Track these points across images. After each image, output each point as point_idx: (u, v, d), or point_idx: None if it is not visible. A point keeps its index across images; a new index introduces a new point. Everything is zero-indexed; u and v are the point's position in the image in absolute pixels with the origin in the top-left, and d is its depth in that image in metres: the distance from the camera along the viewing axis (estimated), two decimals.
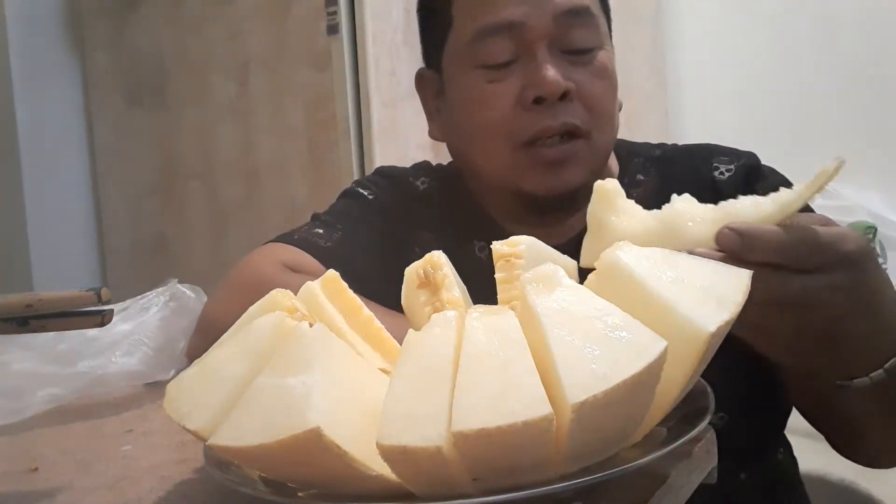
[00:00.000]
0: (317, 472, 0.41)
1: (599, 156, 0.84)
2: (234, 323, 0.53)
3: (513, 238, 0.55)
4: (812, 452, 0.89)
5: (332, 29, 1.56)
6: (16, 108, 1.95)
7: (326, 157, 1.61)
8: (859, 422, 0.70)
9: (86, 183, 2.09)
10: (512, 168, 0.82)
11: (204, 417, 0.46)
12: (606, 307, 0.43)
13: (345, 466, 0.39)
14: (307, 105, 1.63)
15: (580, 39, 0.81)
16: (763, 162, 0.90)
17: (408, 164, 1.01)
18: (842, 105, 2.08)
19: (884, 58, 2.05)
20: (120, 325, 0.81)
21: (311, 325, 0.46)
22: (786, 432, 0.89)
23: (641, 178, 0.90)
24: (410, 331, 0.44)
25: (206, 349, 0.51)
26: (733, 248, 0.51)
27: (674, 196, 0.56)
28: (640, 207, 0.56)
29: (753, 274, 0.48)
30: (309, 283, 0.56)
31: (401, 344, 0.44)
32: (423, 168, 0.99)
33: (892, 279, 0.60)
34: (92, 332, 0.79)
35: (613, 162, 0.92)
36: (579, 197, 0.82)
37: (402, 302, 0.56)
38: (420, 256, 0.56)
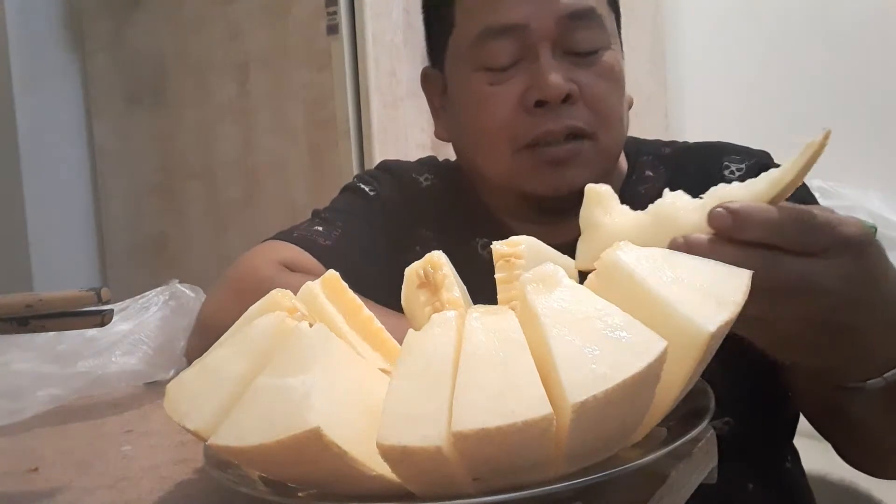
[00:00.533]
0: (317, 472, 0.41)
1: (607, 157, 0.83)
2: (231, 323, 0.53)
3: (513, 238, 0.54)
4: (812, 452, 0.89)
5: (332, 29, 1.56)
6: (16, 108, 1.95)
7: (326, 157, 1.61)
8: (870, 428, 0.67)
9: (86, 183, 2.09)
10: (514, 170, 0.81)
11: (204, 417, 0.46)
12: (606, 307, 0.43)
13: (345, 466, 0.39)
14: (307, 105, 1.63)
15: (584, 41, 0.80)
16: (748, 149, 0.88)
17: None
18: (842, 105, 2.08)
19: (884, 58, 2.05)
20: (120, 325, 0.81)
21: (311, 325, 0.46)
22: None
23: (650, 174, 0.89)
24: (410, 331, 0.44)
25: (203, 349, 0.51)
26: (725, 226, 0.49)
27: (665, 191, 0.54)
28: (630, 209, 0.55)
29: (748, 256, 0.47)
30: (309, 283, 0.56)
31: (401, 344, 0.44)
32: (427, 164, 0.99)
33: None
34: (92, 332, 0.79)
35: (622, 160, 0.90)
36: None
37: (402, 302, 0.56)
38: (421, 255, 0.56)
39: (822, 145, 0.50)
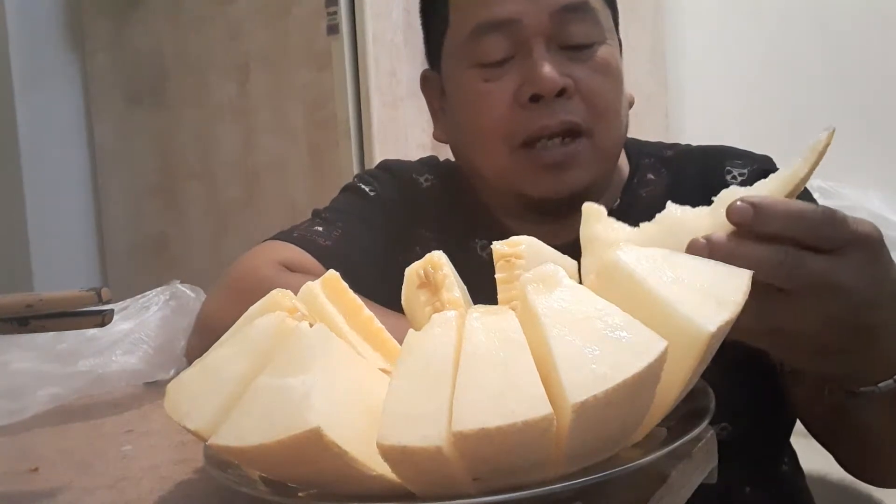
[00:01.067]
0: (317, 472, 0.41)
1: (605, 155, 0.81)
2: (231, 323, 0.53)
3: (513, 238, 0.54)
4: (812, 452, 0.88)
5: (332, 29, 1.56)
6: (16, 108, 1.95)
7: (326, 157, 1.61)
8: (875, 435, 0.65)
9: (86, 183, 2.09)
10: (511, 170, 0.80)
11: (204, 417, 0.46)
12: (606, 307, 0.43)
13: (345, 466, 0.39)
14: (307, 105, 1.63)
15: (578, 34, 0.78)
16: (751, 154, 0.88)
17: None
18: (842, 105, 2.08)
19: (884, 58, 2.05)
20: (120, 325, 0.82)
21: (311, 326, 0.46)
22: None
23: (652, 177, 0.88)
24: (410, 331, 0.44)
25: (203, 349, 0.51)
26: (746, 219, 0.47)
27: (669, 203, 0.53)
28: (627, 226, 0.54)
29: (772, 251, 0.46)
30: (309, 283, 0.56)
31: (401, 344, 0.44)
32: (427, 163, 0.98)
33: None
34: (92, 332, 0.79)
35: (624, 162, 0.89)
36: (585, 197, 0.80)
37: (402, 302, 0.56)
38: (421, 255, 0.56)
39: (828, 144, 0.50)
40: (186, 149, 1.86)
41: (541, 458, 0.39)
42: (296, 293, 0.54)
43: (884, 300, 0.51)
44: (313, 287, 0.55)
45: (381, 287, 0.70)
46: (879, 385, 0.56)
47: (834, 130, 0.50)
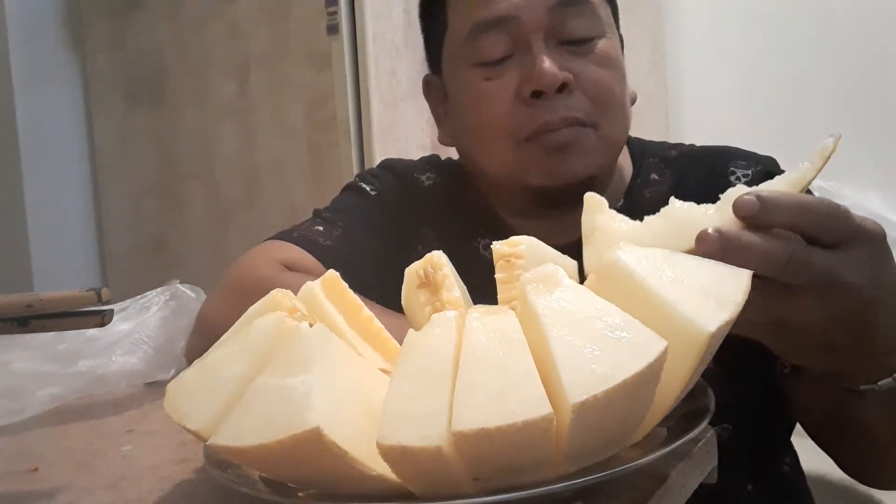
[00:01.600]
0: (317, 472, 0.41)
1: (609, 146, 0.81)
2: (230, 323, 0.53)
3: (513, 238, 0.54)
4: (812, 452, 0.88)
5: (332, 29, 1.56)
6: (16, 108, 1.95)
7: (326, 157, 1.61)
8: (875, 435, 0.65)
9: (86, 183, 2.09)
10: (517, 163, 0.80)
11: (204, 417, 0.46)
12: (606, 307, 0.43)
13: (345, 466, 0.39)
14: (307, 105, 1.63)
15: (578, 29, 0.78)
16: (755, 155, 0.88)
17: None
18: (842, 105, 2.08)
19: (883, 58, 2.05)
20: (120, 325, 0.82)
21: (311, 326, 0.46)
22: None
23: (655, 177, 0.88)
24: (410, 331, 0.44)
25: (203, 349, 0.51)
26: (752, 211, 0.47)
27: (672, 199, 0.53)
28: (628, 218, 0.54)
29: (780, 243, 0.46)
30: (309, 283, 0.56)
31: (401, 344, 0.44)
32: (429, 162, 0.98)
33: None
34: (92, 332, 0.79)
35: (627, 161, 0.89)
36: (589, 189, 0.80)
37: (402, 302, 0.56)
38: (423, 254, 0.56)
39: (833, 150, 0.51)
40: (186, 149, 1.86)
41: (541, 458, 0.39)
42: (296, 293, 0.54)
43: (885, 297, 0.51)
44: (313, 287, 0.55)
45: (381, 286, 0.70)
46: (879, 383, 0.56)
47: (840, 137, 0.50)
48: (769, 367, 0.77)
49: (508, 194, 0.85)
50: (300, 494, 0.44)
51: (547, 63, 0.76)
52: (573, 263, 0.54)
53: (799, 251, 0.48)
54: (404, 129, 1.59)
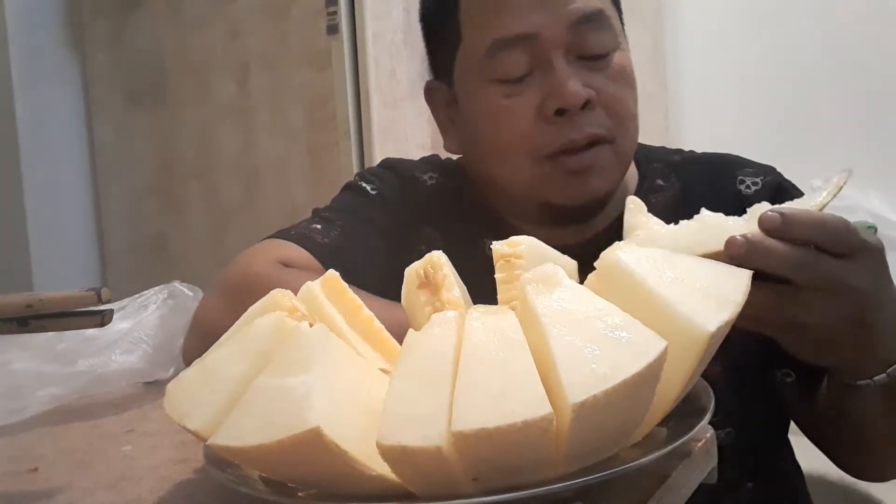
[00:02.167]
0: (317, 472, 0.41)
1: (624, 160, 0.82)
2: (227, 322, 0.53)
3: (513, 238, 0.54)
4: (811, 452, 0.89)
5: (332, 29, 1.56)
6: (16, 108, 1.95)
7: (326, 157, 1.61)
8: (869, 429, 0.70)
9: (86, 183, 2.09)
10: (536, 181, 0.80)
11: (204, 417, 0.46)
12: (606, 307, 0.43)
13: (345, 466, 0.39)
14: (307, 105, 1.63)
15: (596, 45, 0.79)
16: (765, 162, 0.90)
17: None
18: (842, 105, 2.08)
19: (884, 58, 2.05)
20: (119, 324, 0.82)
21: (311, 325, 0.46)
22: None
23: (661, 183, 0.89)
24: (410, 331, 0.44)
25: (199, 347, 0.51)
26: (775, 224, 0.53)
27: (703, 210, 0.57)
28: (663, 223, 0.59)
29: (796, 251, 0.52)
30: (309, 283, 0.56)
31: (399, 342, 0.44)
32: (431, 162, 0.98)
33: (894, 278, 0.62)
34: (91, 331, 0.79)
35: (632, 167, 0.89)
36: (603, 201, 0.82)
37: (402, 302, 0.56)
38: (425, 253, 0.56)
39: (845, 183, 0.58)
40: (186, 149, 1.86)
41: (541, 457, 0.39)
42: (292, 289, 0.54)
43: (883, 302, 0.58)
44: (313, 287, 0.55)
45: (381, 285, 0.70)
46: (875, 378, 0.62)
47: (851, 173, 0.58)
48: (771, 375, 0.80)
49: (520, 204, 0.85)
50: (300, 494, 0.44)
51: (572, 82, 0.76)
52: (573, 263, 0.55)
53: (812, 258, 0.54)
54: (404, 129, 1.59)
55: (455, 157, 0.95)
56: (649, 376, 0.40)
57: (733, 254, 0.52)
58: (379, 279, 0.73)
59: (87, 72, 2.06)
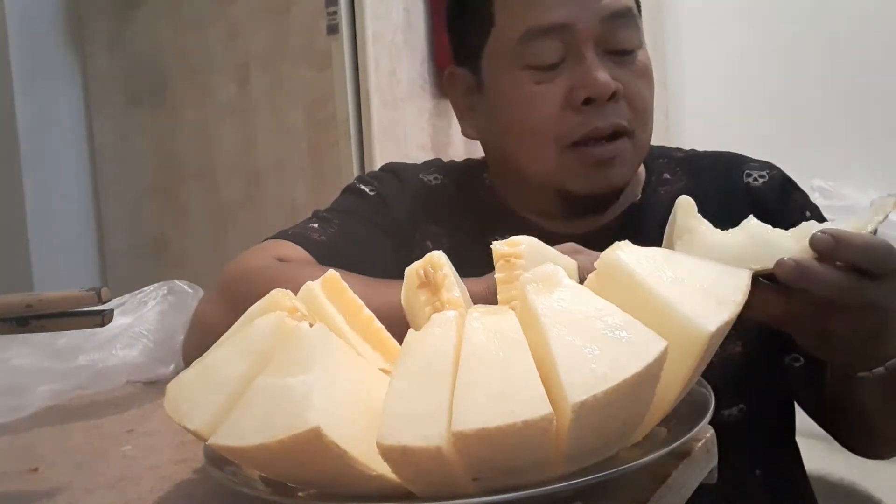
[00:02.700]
0: (317, 472, 0.41)
1: (641, 154, 0.86)
2: (225, 320, 0.53)
3: (513, 238, 0.55)
4: (812, 452, 0.90)
5: (332, 29, 1.56)
6: (16, 108, 1.95)
7: (326, 157, 1.61)
8: (868, 413, 0.74)
9: (86, 183, 2.09)
10: (559, 168, 0.82)
11: (204, 417, 0.46)
12: (606, 307, 0.43)
13: (345, 466, 0.39)
14: (307, 105, 1.63)
15: (624, 40, 0.82)
16: (764, 161, 0.92)
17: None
18: (842, 105, 2.08)
19: (884, 58, 2.05)
20: (119, 319, 0.81)
21: (311, 325, 0.46)
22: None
23: (668, 176, 0.92)
24: (411, 331, 0.44)
25: (199, 347, 0.51)
26: (827, 248, 0.55)
27: (750, 217, 0.59)
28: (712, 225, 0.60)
29: (846, 277, 0.54)
30: (309, 283, 0.56)
31: (389, 326, 0.44)
32: (433, 164, 0.99)
33: None
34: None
35: None
36: (619, 194, 0.85)
37: (402, 302, 0.56)
38: (431, 250, 0.56)
39: (892, 209, 0.59)
40: (186, 149, 1.86)
41: (541, 458, 0.39)
42: (287, 280, 0.54)
43: None
44: (313, 287, 0.55)
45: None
46: (873, 371, 0.65)
47: None
48: (780, 358, 0.84)
49: (537, 195, 0.86)
50: (300, 494, 0.44)
51: (601, 72, 0.80)
52: (573, 263, 0.55)
53: (855, 283, 0.56)
54: (404, 129, 1.58)
55: (458, 159, 0.96)
56: (649, 376, 0.40)
57: (783, 276, 0.54)
58: (379, 276, 0.73)
59: (87, 72, 2.06)
